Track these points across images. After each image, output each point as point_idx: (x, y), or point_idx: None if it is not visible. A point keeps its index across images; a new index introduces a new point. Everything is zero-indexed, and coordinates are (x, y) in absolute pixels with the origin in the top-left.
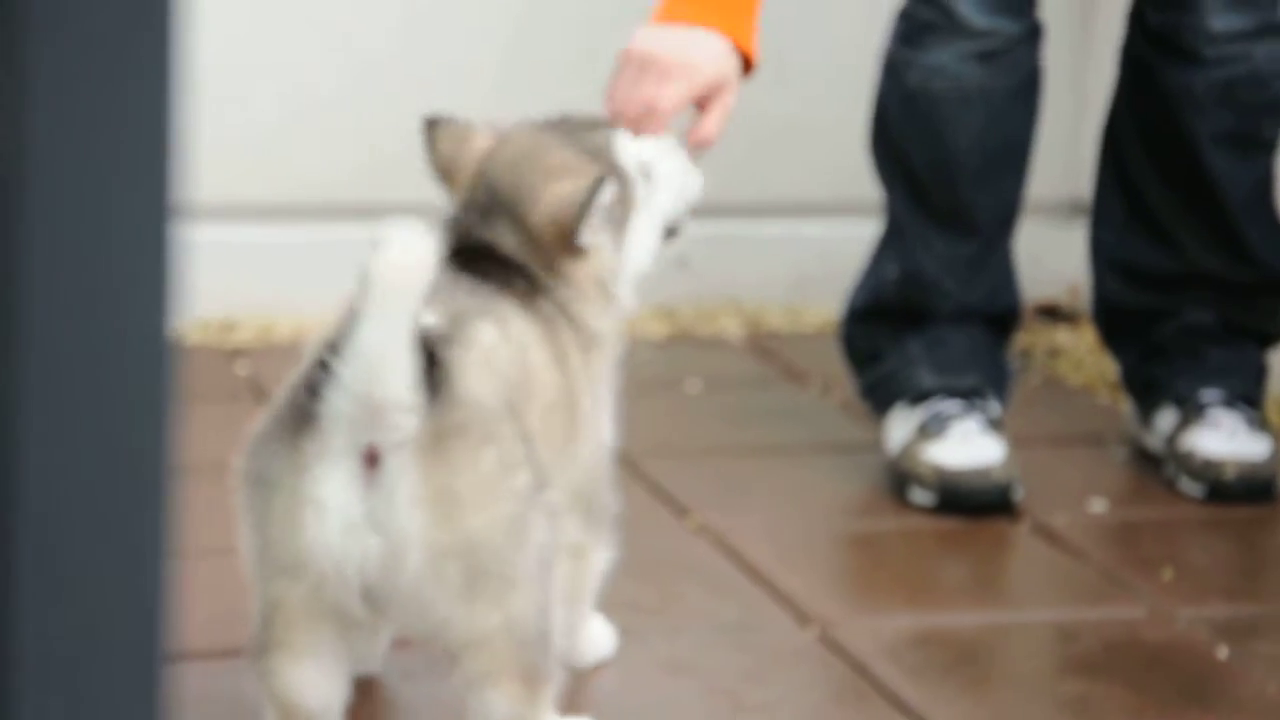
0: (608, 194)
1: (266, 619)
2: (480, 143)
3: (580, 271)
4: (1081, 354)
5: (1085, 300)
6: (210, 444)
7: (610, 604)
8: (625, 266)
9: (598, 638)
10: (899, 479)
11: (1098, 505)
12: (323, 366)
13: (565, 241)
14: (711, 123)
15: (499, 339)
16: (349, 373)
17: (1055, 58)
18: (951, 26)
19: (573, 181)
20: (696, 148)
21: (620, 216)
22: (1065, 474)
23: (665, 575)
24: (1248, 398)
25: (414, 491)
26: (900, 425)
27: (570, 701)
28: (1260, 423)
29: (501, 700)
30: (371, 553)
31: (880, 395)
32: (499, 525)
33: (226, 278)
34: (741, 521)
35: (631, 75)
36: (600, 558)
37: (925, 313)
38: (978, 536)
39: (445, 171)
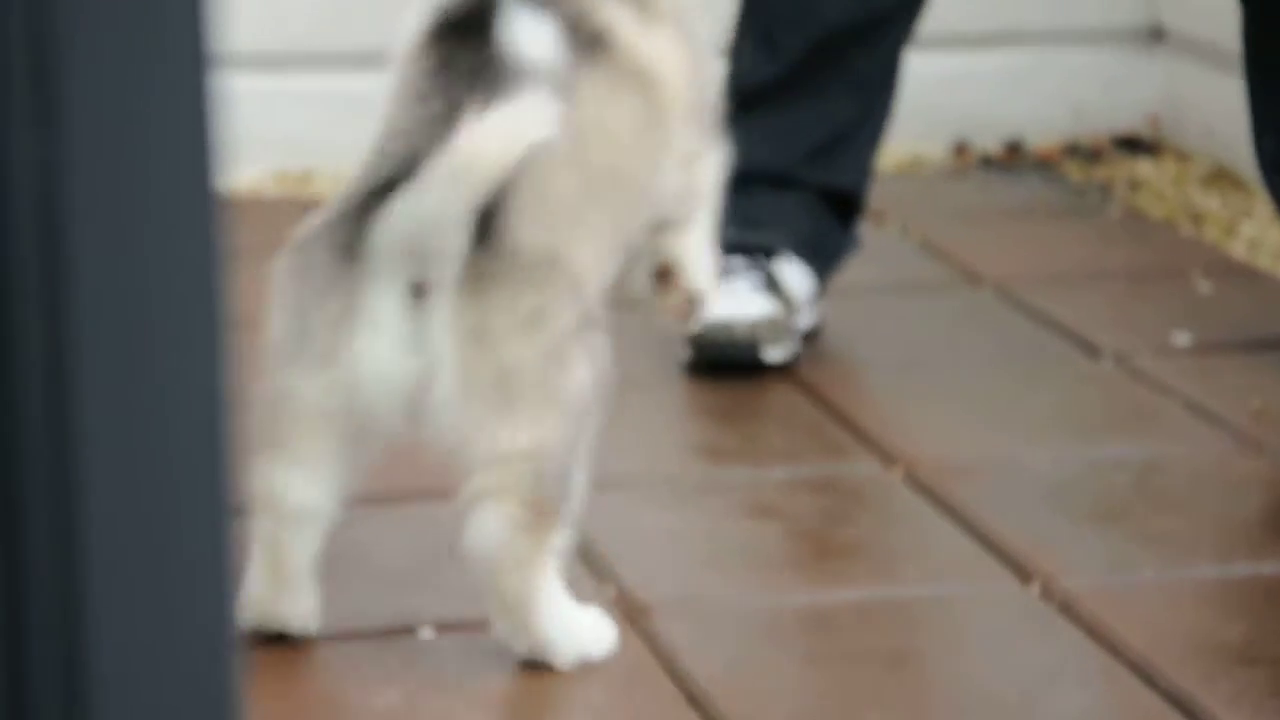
0: None
1: (271, 414)
2: None
3: None
4: (1163, 186)
5: (1165, 130)
6: None
7: (691, 448)
8: None
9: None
10: None
11: (1181, 339)
12: (382, 191)
13: None
14: None
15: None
16: (404, 223)
17: None
18: None
19: None
20: None
21: None
22: (1147, 308)
23: (744, 418)
24: None
25: (453, 323)
26: None
27: (649, 542)
28: None
29: (500, 520)
30: (412, 369)
31: None
32: (535, 357)
33: (301, 128)
34: (821, 362)
35: None
36: (715, 160)
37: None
38: (1059, 371)
39: None
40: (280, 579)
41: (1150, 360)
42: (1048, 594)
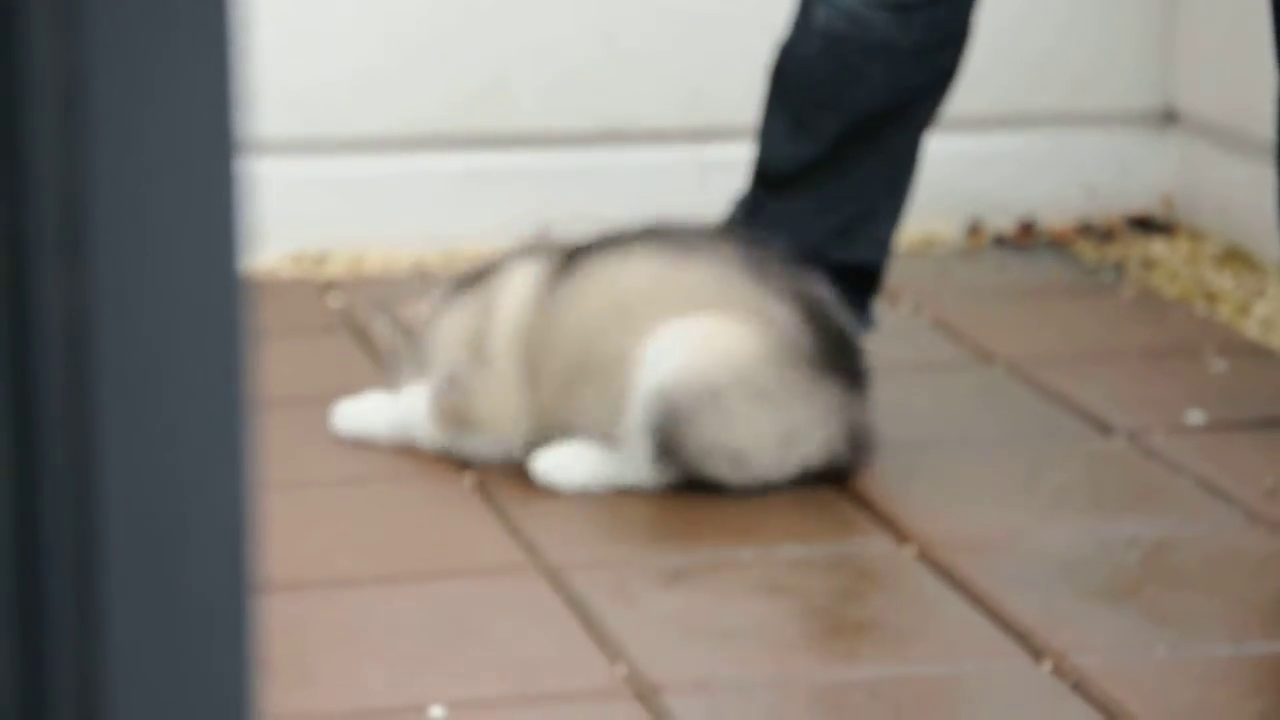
0: None
1: None
2: None
3: None
4: (1177, 265)
5: (1179, 210)
6: (306, 377)
7: (702, 525)
8: None
9: None
10: None
11: (1194, 417)
12: None
13: None
14: None
15: None
16: None
17: None
18: None
19: None
20: None
21: None
22: (1161, 387)
23: (756, 495)
24: None
25: None
26: None
27: (661, 621)
28: None
29: None
30: None
31: None
32: None
33: (318, 211)
34: None
35: None
36: None
37: None
38: (1072, 449)
39: None
40: None
41: (1163, 439)
42: (1060, 672)
